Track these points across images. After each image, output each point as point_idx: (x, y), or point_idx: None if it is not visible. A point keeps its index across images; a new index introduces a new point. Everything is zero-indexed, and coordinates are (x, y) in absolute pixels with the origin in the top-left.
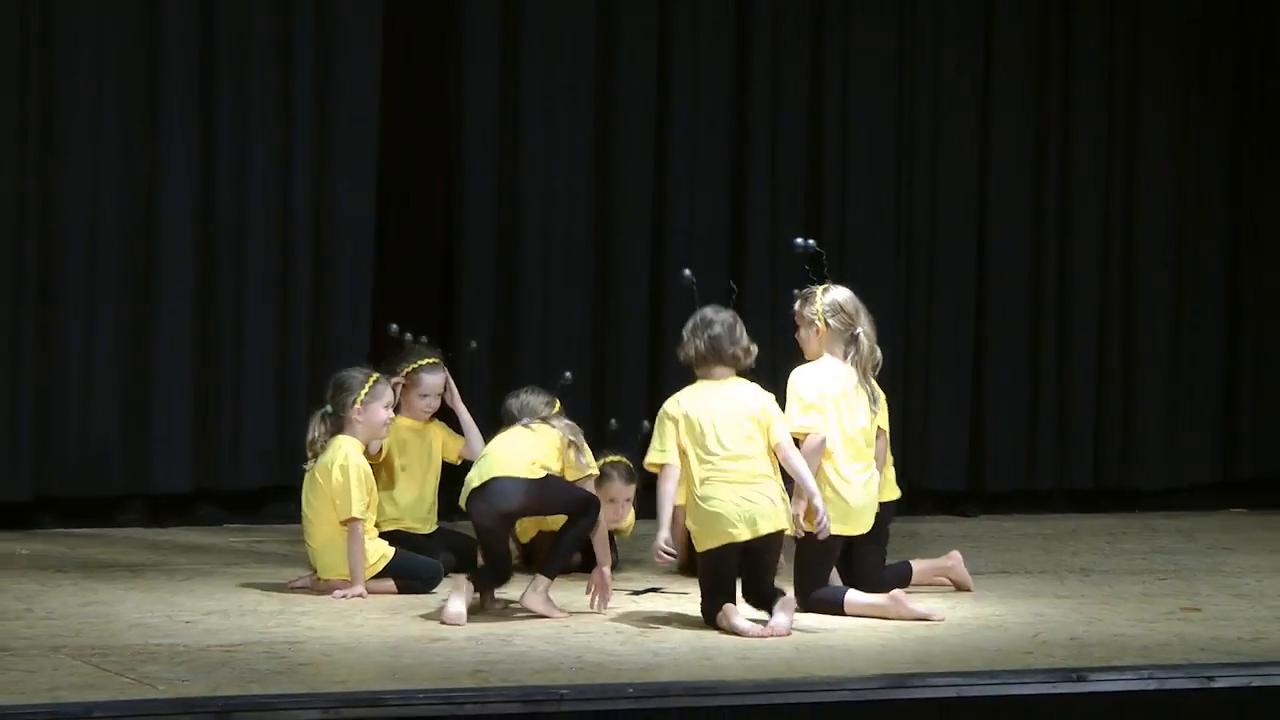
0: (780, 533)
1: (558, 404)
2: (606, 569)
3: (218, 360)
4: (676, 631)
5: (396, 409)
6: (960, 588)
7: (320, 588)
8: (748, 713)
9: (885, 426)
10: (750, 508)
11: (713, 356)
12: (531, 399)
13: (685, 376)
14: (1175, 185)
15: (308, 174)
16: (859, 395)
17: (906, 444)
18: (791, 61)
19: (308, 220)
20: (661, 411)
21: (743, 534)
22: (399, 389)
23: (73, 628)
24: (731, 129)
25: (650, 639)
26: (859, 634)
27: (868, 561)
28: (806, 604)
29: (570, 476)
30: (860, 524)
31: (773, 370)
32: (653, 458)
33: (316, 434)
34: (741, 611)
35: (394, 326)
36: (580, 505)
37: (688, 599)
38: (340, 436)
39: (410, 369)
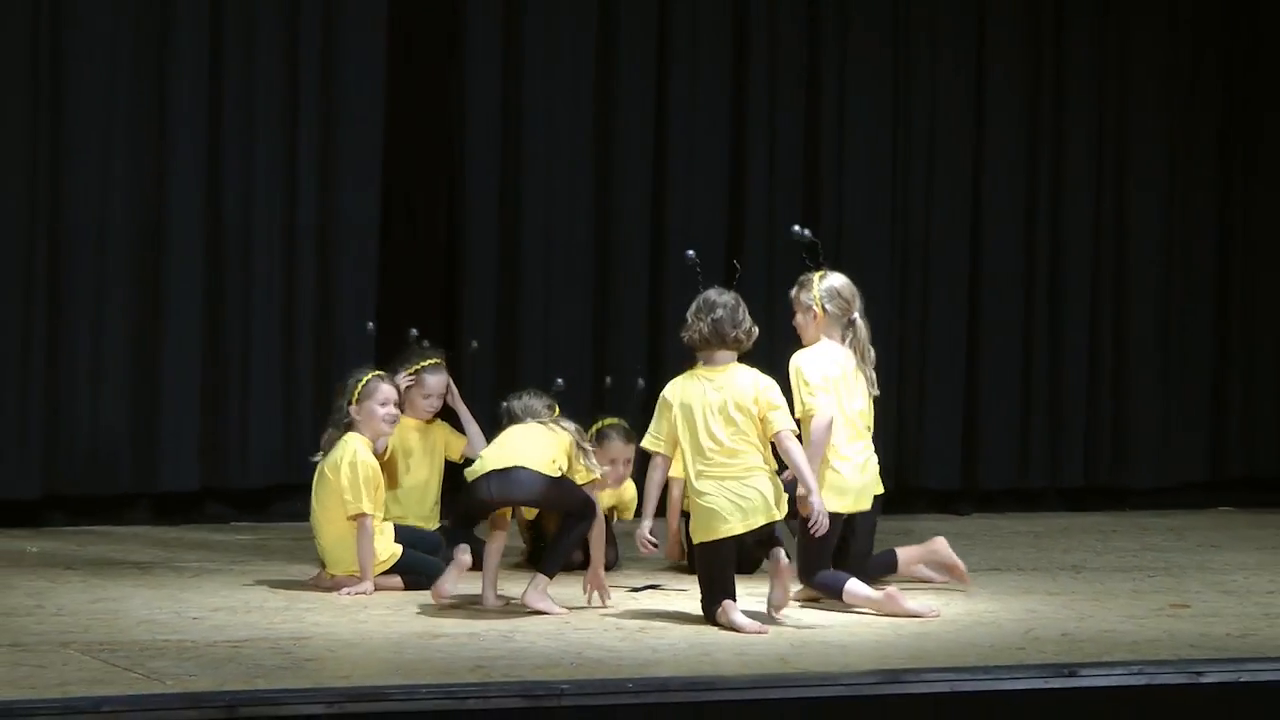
0: (769, 525)
1: (556, 409)
2: (601, 570)
3: (225, 360)
4: (675, 628)
5: (401, 408)
6: (951, 572)
7: (328, 584)
8: (745, 707)
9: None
10: (743, 503)
11: (715, 340)
12: (533, 402)
13: (684, 370)
14: (1165, 186)
15: (313, 175)
16: (857, 378)
17: (902, 443)
18: (788, 64)
19: (313, 222)
20: (661, 396)
21: (736, 528)
22: (403, 389)
23: (82, 624)
24: (729, 130)
25: (649, 635)
26: (854, 630)
27: (854, 550)
28: (809, 583)
29: (577, 479)
30: (860, 501)
31: (769, 367)
32: (647, 443)
33: (328, 432)
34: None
35: (414, 331)
36: (581, 507)
37: (686, 596)
38: (349, 434)
39: (413, 370)
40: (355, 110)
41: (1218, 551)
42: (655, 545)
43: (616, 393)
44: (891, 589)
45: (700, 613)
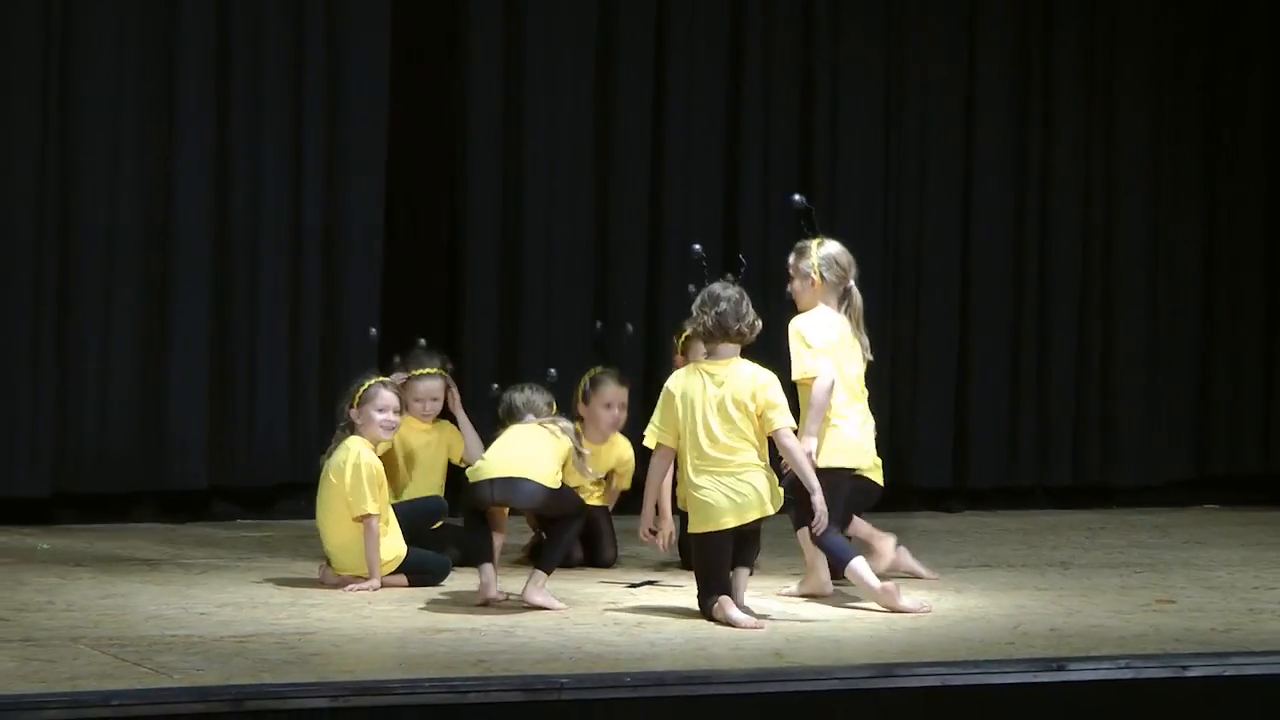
0: (762, 519)
1: (555, 405)
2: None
3: (231, 361)
4: (672, 623)
5: (406, 409)
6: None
7: (333, 580)
8: (741, 701)
9: None
10: (738, 498)
11: (719, 333)
12: (535, 397)
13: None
14: (1151, 188)
15: (318, 176)
16: (853, 345)
17: (894, 442)
18: (783, 68)
19: (318, 224)
20: (664, 388)
21: (731, 522)
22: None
23: (92, 619)
24: (725, 132)
25: (647, 630)
26: (848, 625)
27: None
28: (818, 541)
29: (570, 481)
30: (862, 458)
31: (769, 359)
32: (650, 435)
33: (336, 434)
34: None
35: (422, 341)
36: (575, 510)
37: (683, 591)
38: (351, 437)
39: (408, 375)
40: (359, 111)
41: (1202, 548)
42: (655, 532)
43: (607, 339)
44: (891, 585)
45: (695, 607)
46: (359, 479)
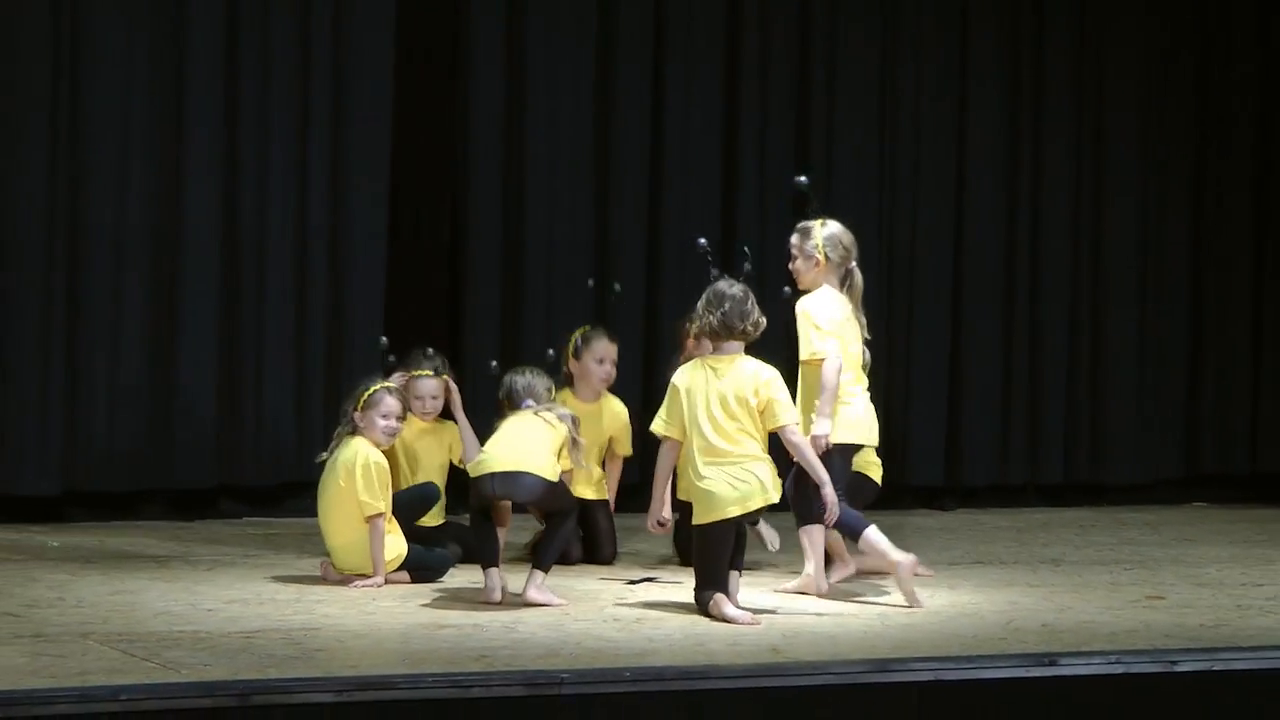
0: (764, 508)
1: (553, 390)
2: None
3: (239, 362)
4: (671, 618)
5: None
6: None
7: (336, 577)
8: (738, 695)
9: None
10: (741, 487)
11: (724, 332)
12: (535, 381)
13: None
14: (1141, 189)
15: (324, 177)
16: (854, 324)
17: (888, 440)
18: (780, 69)
19: (324, 225)
20: (671, 382)
21: (735, 511)
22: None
23: (101, 615)
24: (721, 135)
25: (646, 626)
26: (843, 621)
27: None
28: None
29: (563, 467)
30: (867, 433)
31: (770, 355)
32: (656, 427)
33: (336, 434)
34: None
35: (430, 350)
36: (570, 505)
37: (681, 588)
38: (356, 438)
39: (409, 376)
40: (363, 113)
41: (1192, 545)
42: (665, 522)
43: (597, 298)
44: (914, 559)
45: (693, 604)
46: (369, 479)
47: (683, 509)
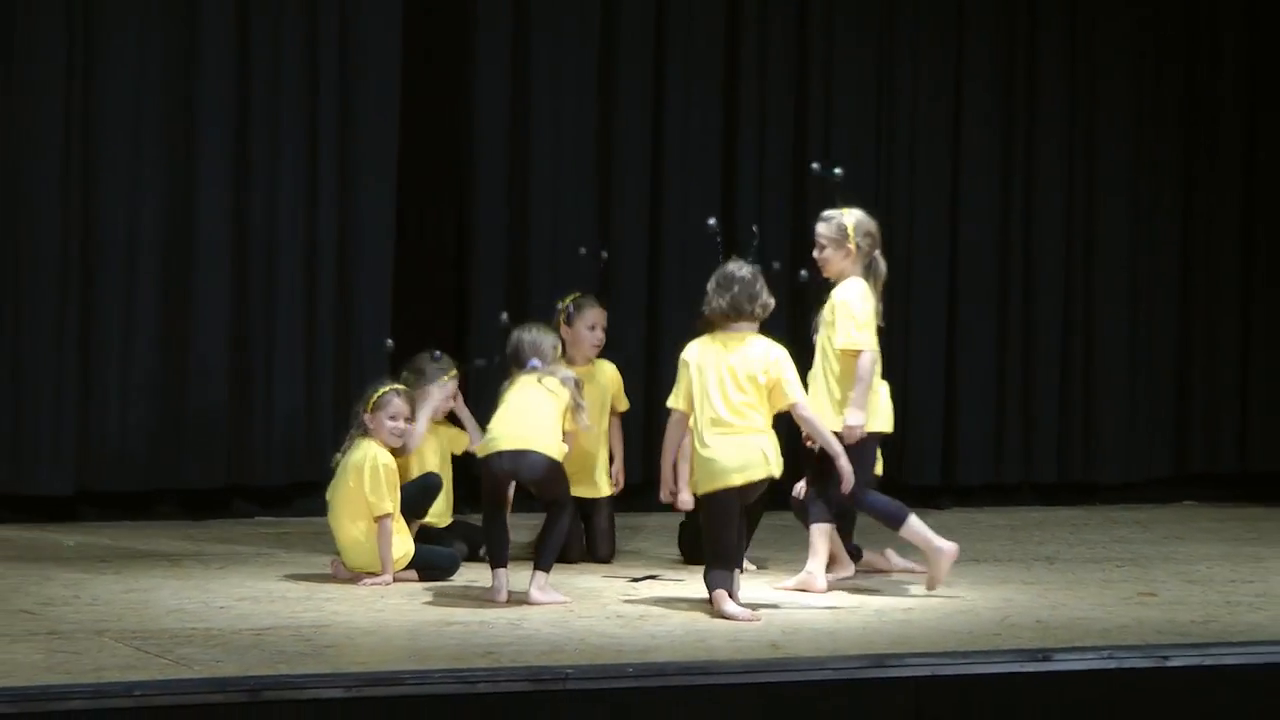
0: (766, 480)
1: (560, 347)
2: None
3: (249, 363)
4: (673, 615)
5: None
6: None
7: (346, 575)
8: (739, 690)
9: None
10: (745, 457)
11: (733, 314)
12: (541, 338)
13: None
14: (1132, 192)
15: (332, 183)
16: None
17: (886, 441)
18: (778, 72)
19: (333, 228)
20: (681, 358)
21: (737, 480)
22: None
23: (115, 613)
24: (721, 134)
25: (648, 623)
26: (841, 617)
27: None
28: (861, 505)
29: (567, 428)
30: (891, 422)
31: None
32: (670, 401)
33: (349, 434)
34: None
35: (437, 352)
36: (563, 497)
37: (683, 585)
38: (366, 439)
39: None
40: (372, 117)
41: (1182, 543)
42: (675, 492)
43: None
44: (955, 548)
45: (694, 600)
46: (378, 480)
47: (685, 518)
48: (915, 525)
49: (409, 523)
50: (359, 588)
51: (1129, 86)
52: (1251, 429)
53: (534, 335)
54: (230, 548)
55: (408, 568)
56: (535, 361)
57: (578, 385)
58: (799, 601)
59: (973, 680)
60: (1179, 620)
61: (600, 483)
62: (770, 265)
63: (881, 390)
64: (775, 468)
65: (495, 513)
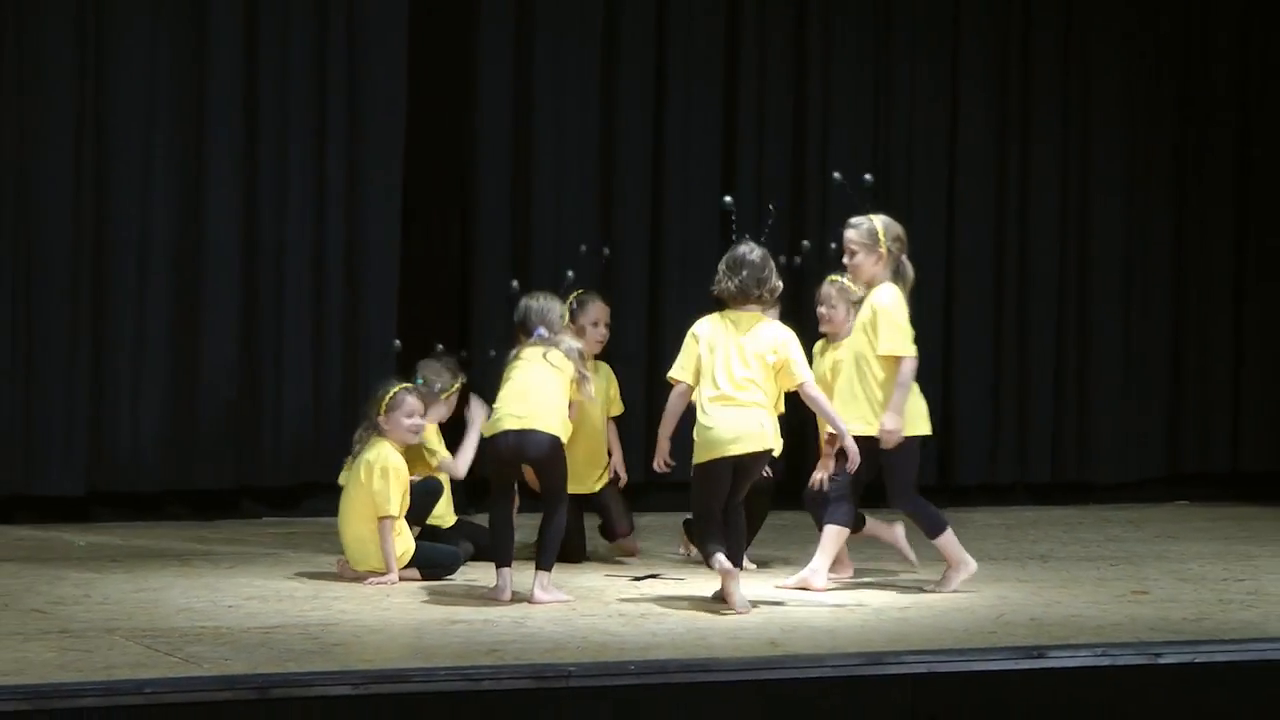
0: (764, 454)
1: (567, 315)
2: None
3: (258, 366)
4: (674, 613)
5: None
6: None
7: (351, 575)
8: (739, 687)
9: None
10: (740, 430)
11: (741, 297)
12: (549, 306)
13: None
14: (1126, 195)
15: (340, 181)
16: None
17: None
18: (776, 76)
19: (340, 229)
20: (690, 331)
21: (732, 449)
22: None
23: (126, 612)
24: (721, 135)
25: (650, 621)
26: (839, 615)
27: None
28: (905, 507)
29: (573, 397)
30: (929, 424)
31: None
32: (673, 373)
33: (358, 437)
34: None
35: (440, 346)
36: (560, 495)
37: (684, 584)
38: (380, 440)
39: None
40: (378, 120)
41: (1175, 542)
42: (672, 465)
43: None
44: (976, 565)
45: (695, 599)
46: (386, 481)
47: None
48: (949, 538)
49: (410, 525)
50: (365, 587)
51: (1123, 88)
52: (1243, 430)
53: (541, 303)
54: (239, 547)
55: (409, 566)
56: (541, 330)
57: (581, 355)
58: (798, 600)
59: (968, 677)
60: (1171, 618)
61: (599, 477)
62: (791, 262)
63: (918, 393)
64: (772, 442)
65: (502, 501)
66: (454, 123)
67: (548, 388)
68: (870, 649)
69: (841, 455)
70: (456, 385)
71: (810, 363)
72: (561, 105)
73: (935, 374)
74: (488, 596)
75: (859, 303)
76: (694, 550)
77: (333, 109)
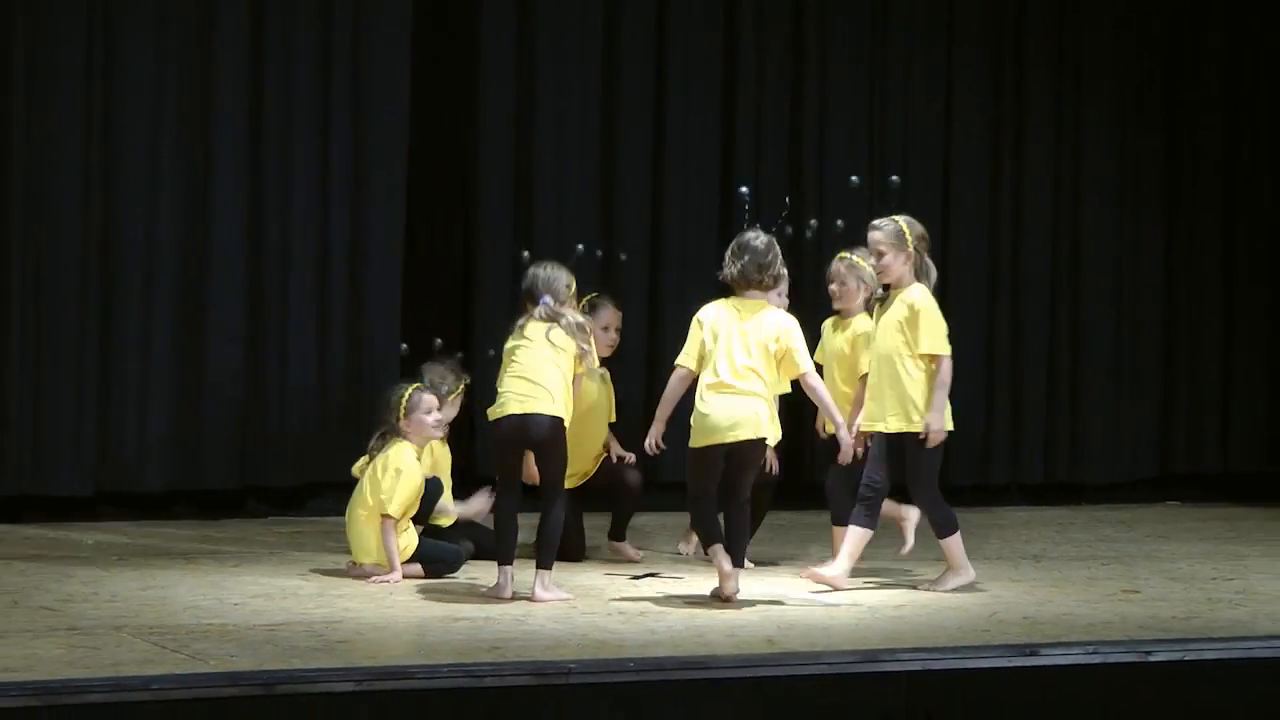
0: (759, 443)
1: (574, 285)
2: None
3: (263, 369)
4: (672, 611)
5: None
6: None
7: (357, 572)
8: (736, 684)
9: None
10: (735, 417)
11: (743, 282)
12: (556, 275)
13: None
14: (1118, 200)
15: (345, 183)
16: None
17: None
18: (774, 79)
19: (344, 231)
20: (696, 317)
21: (725, 437)
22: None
23: (133, 609)
24: (720, 136)
25: (649, 619)
26: (836, 613)
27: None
28: (925, 502)
29: (577, 371)
30: (952, 422)
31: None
32: (680, 359)
33: (374, 442)
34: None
35: (439, 341)
36: (557, 488)
37: (682, 583)
38: (401, 443)
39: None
40: (381, 122)
41: (1165, 542)
42: (664, 448)
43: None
44: (974, 573)
45: (693, 597)
46: (396, 481)
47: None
48: (956, 542)
49: (413, 524)
50: (369, 585)
51: (1114, 91)
52: (1232, 432)
53: (549, 272)
54: (245, 547)
55: (411, 559)
56: (546, 298)
57: (583, 329)
58: (796, 598)
59: (962, 674)
60: (1161, 616)
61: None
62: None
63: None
64: (767, 431)
65: (507, 497)
66: (456, 125)
67: (551, 369)
68: (866, 647)
69: (834, 448)
70: (461, 387)
71: (819, 342)
72: (562, 107)
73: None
74: (489, 594)
75: (871, 290)
76: (694, 547)
77: (336, 111)
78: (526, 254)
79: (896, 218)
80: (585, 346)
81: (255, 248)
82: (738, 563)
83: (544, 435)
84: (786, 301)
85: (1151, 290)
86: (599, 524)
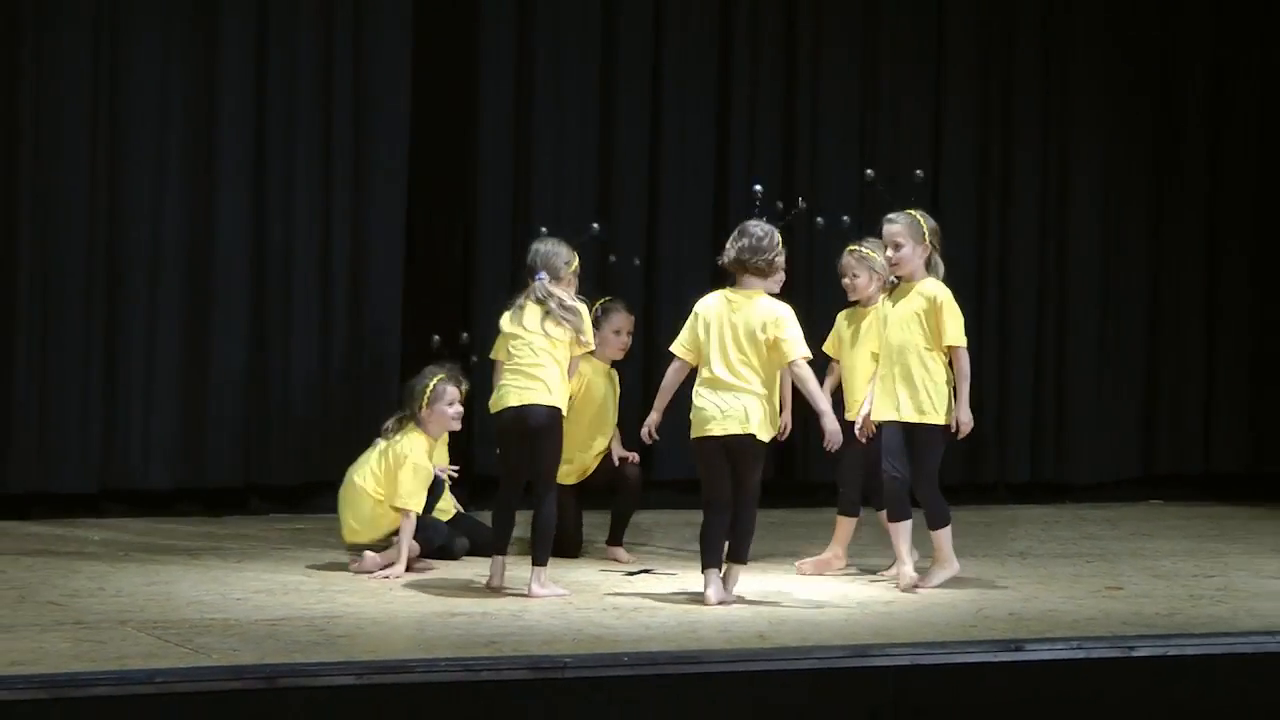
0: (749, 439)
1: (575, 261)
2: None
3: (266, 369)
4: (666, 607)
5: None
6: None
7: (358, 565)
8: (728, 678)
9: None
10: (725, 410)
11: (737, 266)
12: (556, 251)
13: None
14: (1103, 202)
15: (347, 184)
16: None
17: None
18: (767, 80)
19: (346, 231)
20: (694, 309)
21: (714, 430)
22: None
23: (138, 604)
24: (715, 137)
25: (643, 614)
26: (826, 609)
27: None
28: (924, 491)
29: (575, 354)
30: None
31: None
32: (673, 346)
33: (389, 424)
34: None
35: (436, 338)
36: (549, 483)
37: (676, 580)
38: (415, 433)
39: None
40: (383, 123)
41: (1149, 540)
42: (658, 438)
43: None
44: (958, 566)
45: (686, 593)
46: (415, 479)
47: None
48: (946, 535)
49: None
50: (369, 580)
51: (1101, 97)
52: (1215, 432)
53: (549, 247)
54: (247, 543)
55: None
56: (542, 274)
57: (578, 313)
58: (787, 596)
59: (949, 669)
60: (1145, 613)
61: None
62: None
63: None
64: (754, 427)
65: (508, 491)
66: (456, 129)
67: (548, 361)
68: (855, 642)
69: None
70: (462, 392)
71: (833, 331)
72: (561, 109)
73: None
74: (484, 583)
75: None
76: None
77: (339, 115)
78: (544, 230)
79: (911, 211)
80: (580, 327)
81: (258, 247)
82: (741, 560)
83: (540, 423)
84: (779, 283)
85: (1137, 292)
86: (598, 522)
